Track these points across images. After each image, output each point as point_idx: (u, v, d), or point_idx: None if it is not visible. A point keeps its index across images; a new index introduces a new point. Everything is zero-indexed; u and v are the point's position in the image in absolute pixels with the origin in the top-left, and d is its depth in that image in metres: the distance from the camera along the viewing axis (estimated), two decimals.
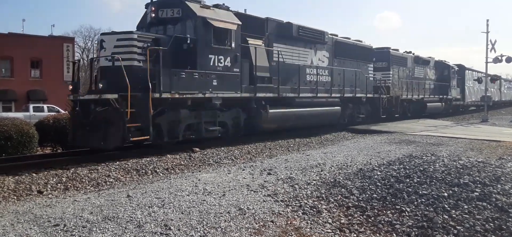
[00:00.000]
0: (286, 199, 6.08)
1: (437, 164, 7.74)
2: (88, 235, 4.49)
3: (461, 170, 7.23)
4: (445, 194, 6.02)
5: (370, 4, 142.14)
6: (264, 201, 5.93)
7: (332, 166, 8.39)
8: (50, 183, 6.98)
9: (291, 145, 12.56)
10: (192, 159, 9.57)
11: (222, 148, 11.00)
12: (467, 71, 33.68)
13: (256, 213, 5.36)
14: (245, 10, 13.80)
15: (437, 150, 10.62)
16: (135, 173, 8.07)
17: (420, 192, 6.14)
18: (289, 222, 5.17)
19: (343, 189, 6.58)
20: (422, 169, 7.38)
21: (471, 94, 34.38)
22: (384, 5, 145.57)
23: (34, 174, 7.32)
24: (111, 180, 7.47)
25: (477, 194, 6.01)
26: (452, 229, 5.04)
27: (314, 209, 5.68)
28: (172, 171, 8.45)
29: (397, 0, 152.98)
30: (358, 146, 11.95)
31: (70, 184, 7.04)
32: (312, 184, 6.92)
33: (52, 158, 9.41)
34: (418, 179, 6.77)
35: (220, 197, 6.02)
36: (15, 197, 6.28)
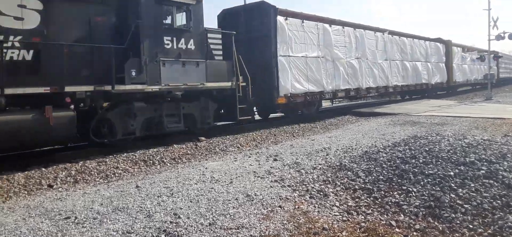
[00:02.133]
0: (293, 184, 6.13)
1: (443, 144, 7.76)
2: (99, 226, 4.56)
3: (467, 149, 7.25)
4: (452, 173, 6.05)
5: None
6: (271, 186, 5.99)
7: (338, 149, 8.42)
8: (59, 176, 7.06)
9: (296, 131, 12.59)
10: (198, 148, 9.63)
11: (228, 136, 11.05)
12: (281, 20, 13.55)
13: (264, 199, 5.42)
14: None
15: (442, 129, 10.62)
16: (142, 163, 8.14)
17: (426, 172, 6.17)
18: (296, 207, 5.22)
19: (349, 172, 6.62)
20: (427, 149, 7.41)
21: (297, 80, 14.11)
22: None
23: (43, 169, 7.40)
24: (119, 171, 7.55)
25: (484, 172, 6.03)
26: (460, 207, 5.07)
27: (321, 193, 5.73)
28: (179, 161, 8.51)
29: None
30: (363, 129, 11.96)
31: (79, 177, 7.12)
32: (318, 168, 6.96)
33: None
34: (424, 159, 6.79)
35: (227, 184, 6.08)
36: (26, 192, 6.36)
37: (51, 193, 6.24)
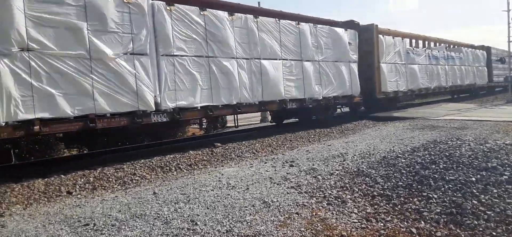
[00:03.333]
0: (309, 190, 6.07)
1: (463, 148, 7.59)
2: (117, 233, 4.59)
3: (489, 153, 7.07)
4: (473, 179, 5.91)
5: None
6: (287, 193, 5.94)
7: (355, 155, 8.32)
8: (78, 183, 7.15)
9: (312, 136, 12.50)
10: (214, 154, 9.64)
11: (243, 142, 11.05)
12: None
13: (280, 206, 5.38)
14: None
15: (462, 133, 10.39)
16: (159, 170, 8.19)
17: (447, 178, 6.04)
18: (314, 213, 5.16)
19: (367, 178, 6.53)
20: (447, 154, 7.25)
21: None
22: None
23: (62, 176, 7.51)
24: (137, 178, 7.61)
25: (507, 177, 5.87)
26: (482, 214, 4.93)
27: (339, 200, 5.65)
28: (195, 167, 8.53)
29: None
30: (380, 133, 11.80)
31: (97, 184, 7.20)
32: (335, 174, 6.88)
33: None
34: (444, 165, 6.65)
35: (244, 190, 6.06)
36: (46, 199, 6.46)
37: (70, 199, 6.33)
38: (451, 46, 25.23)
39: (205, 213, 5.10)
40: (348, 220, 5.02)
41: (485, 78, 28.00)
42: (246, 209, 5.24)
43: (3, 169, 7.87)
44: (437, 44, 23.82)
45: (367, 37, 16.43)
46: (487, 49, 28.65)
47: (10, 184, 6.94)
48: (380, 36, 16.94)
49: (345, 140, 11.10)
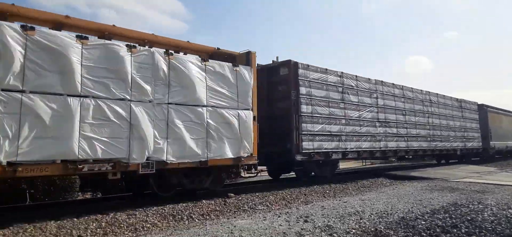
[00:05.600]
0: None
1: (486, 213, 7.32)
2: None
3: None
4: None
5: (397, 49, 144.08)
6: None
7: (372, 214, 8.09)
8: (90, 228, 7.08)
9: (327, 191, 12.27)
10: (227, 204, 9.50)
11: (257, 194, 10.89)
12: None
13: None
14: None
15: (483, 197, 10.06)
16: (171, 218, 8.08)
17: None
18: None
19: None
20: (469, 218, 6.99)
21: None
22: (412, 50, 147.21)
23: (75, 219, 7.47)
24: (148, 225, 7.50)
25: None
26: None
27: None
28: (208, 217, 8.39)
29: (425, 45, 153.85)
30: (398, 193, 11.51)
31: (109, 229, 7.11)
32: (352, 232, 6.66)
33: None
34: (466, 229, 6.38)
35: None
36: None
37: None
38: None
39: None
40: None
41: None
42: None
43: (18, 209, 7.88)
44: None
45: None
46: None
47: (23, 224, 6.92)
48: None
49: (361, 197, 10.84)
